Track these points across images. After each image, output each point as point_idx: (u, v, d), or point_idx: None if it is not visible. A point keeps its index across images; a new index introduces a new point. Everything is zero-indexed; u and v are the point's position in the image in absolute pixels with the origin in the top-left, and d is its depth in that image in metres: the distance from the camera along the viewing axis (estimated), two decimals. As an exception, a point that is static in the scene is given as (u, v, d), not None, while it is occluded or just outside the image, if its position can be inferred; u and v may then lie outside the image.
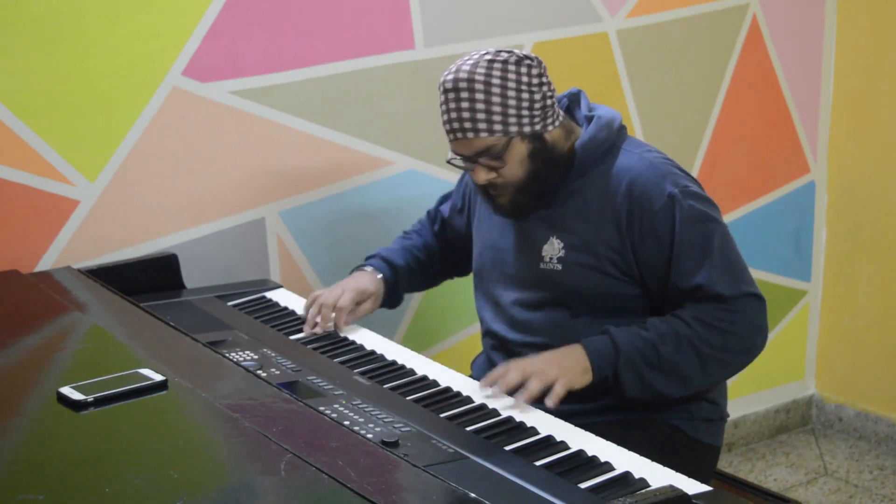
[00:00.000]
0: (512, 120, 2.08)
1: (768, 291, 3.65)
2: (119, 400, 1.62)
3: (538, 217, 2.21)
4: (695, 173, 3.33)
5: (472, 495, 1.45)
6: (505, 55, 2.11)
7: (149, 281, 2.46)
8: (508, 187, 2.15)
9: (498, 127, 2.08)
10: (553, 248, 2.18)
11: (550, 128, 2.14)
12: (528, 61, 2.11)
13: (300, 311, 2.41)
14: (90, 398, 1.60)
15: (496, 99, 2.07)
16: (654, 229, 2.11)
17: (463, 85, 2.08)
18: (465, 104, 2.08)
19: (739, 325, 2.09)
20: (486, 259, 2.32)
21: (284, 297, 2.50)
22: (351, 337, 2.27)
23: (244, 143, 2.62)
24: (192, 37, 2.51)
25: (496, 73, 2.08)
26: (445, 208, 2.53)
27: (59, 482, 1.40)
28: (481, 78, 2.07)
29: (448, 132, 2.12)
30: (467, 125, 2.08)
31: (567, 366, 2.05)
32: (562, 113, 2.19)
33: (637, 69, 3.19)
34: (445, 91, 2.10)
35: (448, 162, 2.18)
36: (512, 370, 2.02)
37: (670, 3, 3.22)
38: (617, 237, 2.14)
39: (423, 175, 2.88)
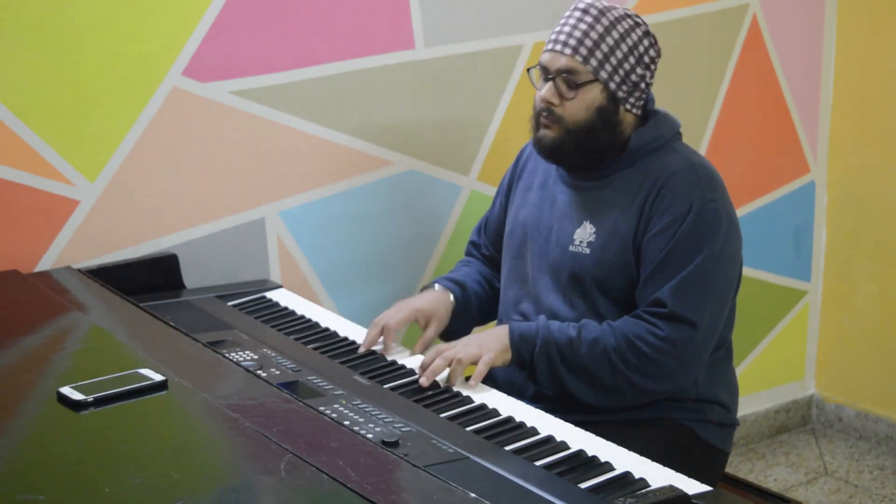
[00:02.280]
0: (608, 67, 2.16)
1: (768, 291, 3.68)
2: (119, 400, 1.62)
3: (576, 199, 2.24)
4: (695, 173, 3.33)
5: (472, 495, 1.45)
6: (642, 21, 2.21)
7: (149, 281, 2.46)
8: (562, 122, 2.18)
9: (594, 62, 2.15)
10: (585, 232, 2.21)
11: (629, 106, 2.20)
12: (655, 43, 2.22)
13: (300, 311, 2.41)
14: (90, 398, 1.60)
15: (609, 42, 2.16)
16: (662, 230, 2.13)
17: (594, 11, 2.17)
18: (583, 26, 2.16)
19: (662, 353, 2.09)
20: (517, 234, 2.33)
21: (284, 297, 2.50)
22: (351, 338, 2.27)
23: (244, 143, 2.62)
24: (192, 37, 2.50)
25: (625, 25, 2.17)
26: (484, 220, 2.51)
27: (59, 482, 1.40)
28: (611, 18, 2.17)
29: (551, 41, 2.19)
30: (572, 42, 2.16)
31: (487, 346, 2.12)
32: (640, 112, 2.23)
33: (637, 69, 3.18)
34: (576, 7, 2.20)
35: (527, 70, 2.28)
36: (437, 359, 2.08)
37: (670, 3, 3.22)
38: (636, 225, 2.16)
39: (423, 175, 2.87)
